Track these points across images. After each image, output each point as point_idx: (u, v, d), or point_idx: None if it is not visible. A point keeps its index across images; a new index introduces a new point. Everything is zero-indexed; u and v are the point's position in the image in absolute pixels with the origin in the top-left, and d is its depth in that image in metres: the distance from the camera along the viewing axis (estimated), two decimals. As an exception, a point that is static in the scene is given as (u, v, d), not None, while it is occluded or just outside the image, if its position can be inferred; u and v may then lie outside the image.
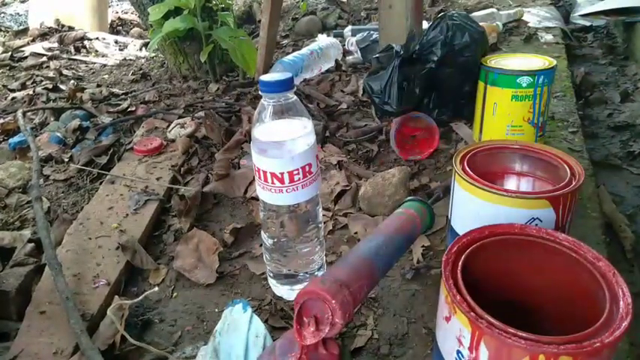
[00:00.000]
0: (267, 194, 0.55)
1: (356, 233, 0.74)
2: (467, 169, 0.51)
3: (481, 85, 0.83)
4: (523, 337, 0.30)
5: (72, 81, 1.64)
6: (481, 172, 0.51)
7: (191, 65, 1.54)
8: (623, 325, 0.31)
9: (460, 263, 0.36)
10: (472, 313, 0.32)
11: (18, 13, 2.97)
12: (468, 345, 0.33)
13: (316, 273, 0.62)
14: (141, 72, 1.68)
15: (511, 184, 0.58)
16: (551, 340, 0.29)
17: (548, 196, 0.45)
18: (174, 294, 0.66)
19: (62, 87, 1.57)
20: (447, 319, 0.35)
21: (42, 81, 1.63)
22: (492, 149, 0.56)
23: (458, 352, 0.34)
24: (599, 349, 0.29)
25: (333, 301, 0.38)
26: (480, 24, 0.92)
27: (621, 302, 0.32)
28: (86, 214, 0.81)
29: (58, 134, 1.13)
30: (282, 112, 0.53)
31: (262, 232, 0.61)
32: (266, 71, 1.38)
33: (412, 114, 0.92)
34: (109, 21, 2.62)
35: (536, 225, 0.46)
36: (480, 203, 0.48)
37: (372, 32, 1.50)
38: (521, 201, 0.46)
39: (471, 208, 0.50)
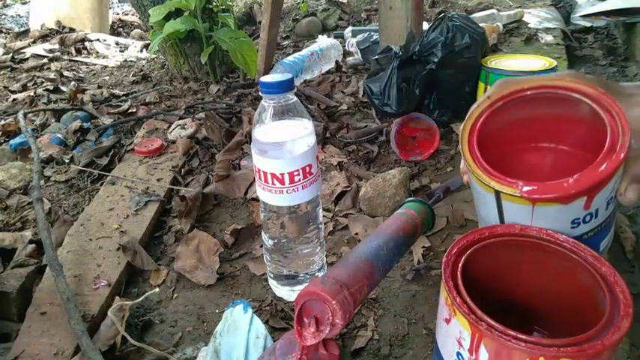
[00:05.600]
0: (267, 195, 0.55)
1: (356, 234, 0.74)
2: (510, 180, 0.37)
3: (481, 85, 0.83)
4: (523, 339, 0.30)
5: (73, 82, 1.64)
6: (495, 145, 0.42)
7: (192, 66, 1.55)
8: (624, 327, 0.30)
9: (460, 265, 0.36)
10: (472, 316, 0.32)
11: (19, 15, 2.98)
12: (468, 347, 0.33)
13: (317, 274, 0.62)
14: (141, 73, 1.69)
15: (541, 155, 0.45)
16: (551, 342, 0.29)
17: (625, 155, 0.35)
18: (175, 295, 0.66)
19: (63, 88, 1.57)
20: (447, 321, 0.35)
21: (43, 82, 1.63)
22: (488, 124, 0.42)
23: (458, 354, 0.34)
24: (600, 351, 0.29)
25: (334, 302, 0.38)
26: (480, 25, 0.92)
27: (621, 304, 0.32)
28: (87, 215, 0.81)
29: (59, 135, 1.13)
30: (283, 113, 0.53)
31: (263, 233, 0.61)
32: (266, 72, 1.38)
33: (412, 115, 0.93)
34: (110, 22, 2.62)
35: (617, 183, 0.38)
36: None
37: (372, 33, 1.50)
38: None
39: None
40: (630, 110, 0.38)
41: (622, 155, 0.34)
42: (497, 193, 0.38)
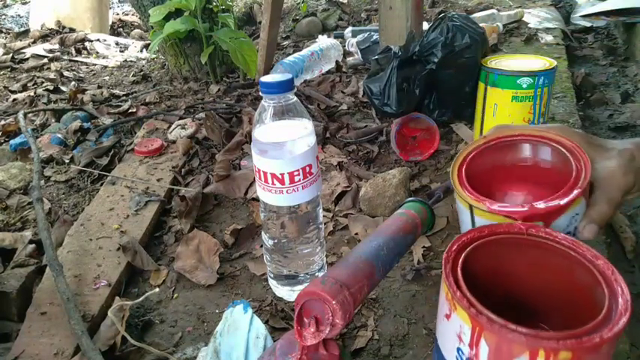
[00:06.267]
0: (267, 195, 0.55)
1: (356, 234, 0.74)
2: (481, 197, 0.45)
3: (481, 86, 0.83)
4: (523, 332, 0.30)
5: (73, 82, 1.64)
6: (481, 176, 0.49)
7: (192, 66, 1.55)
8: (622, 321, 0.31)
9: (460, 261, 0.37)
10: (472, 309, 0.32)
11: (19, 15, 2.98)
12: (468, 342, 0.33)
13: (317, 274, 0.62)
14: (142, 73, 1.69)
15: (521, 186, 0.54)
16: (551, 335, 0.30)
17: (581, 191, 0.43)
18: (175, 295, 0.66)
19: (63, 88, 1.57)
20: (448, 316, 0.35)
21: (43, 82, 1.63)
22: (477, 159, 0.51)
23: (458, 349, 0.34)
24: (599, 344, 0.29)
25: (334, 302, 0.38)
26: (480, 25, 0.92)
27: (620, 299, 0.32)
28: (87, 215, 0.81)
29: (59, 135, 1.13)
30: (283, 113, 0.53)
31: (263, 233, 0.61)
32: (267, 72, 1.38)
33: (413, 115, 0.93)
34: (110, 22, 2.63)
35: (575, 220, 0.45)
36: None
37: (372, 33, 1.50)
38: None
39: None
40: (606, 161, 0.45)
41: (575, 193, 0.42)
42: (471, 208, 0.46)
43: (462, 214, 0.49)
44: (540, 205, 0.42)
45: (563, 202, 0.42)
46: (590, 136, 0.48)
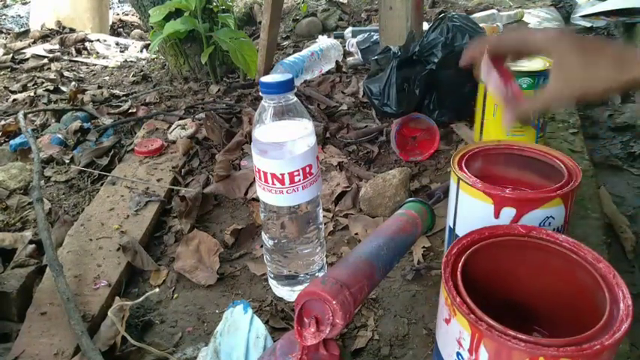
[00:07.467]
0: (267, 195, 0.55)
1: (356, 234, 0.74)
2: (470, 174, 0.50)
3: (481, 86, 0.83)
4: (523, 339, 0.30)
5: (73, 83, 1.64)
6: (476, 175, 0.51)
7: (192, 67, 1.54)
8: (624, 327, 0.30)
9: (460, 265, 0.37)
10: (472, 316, 0.32)
11: (19, 15, 2.98)
12: (467, 347, 0.33)
13: (317, 274, 0.62)
14: (142, 73, 1.69)
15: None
16: (551, 342, 0.29)
17: (560, 193, 0.45)
18: (175, 295, 0.66)
19: (63, 89, 1.57)
20: (447, 321, 0.35)
21: (43, 83, 1.63)
22: (482, 151, 0.55)
23: (458, 354, 0.34)
24: (599, 351, 0.29)
25: (334, 302, 0.38)
26: (480, 25, 0.92)
27: (621, 304, 0.32)
28: (87, 215, 0.81)
29: (59, 136, 1.13)
30: (283, 113, 0.53)
31: (263, 233, 0.61)
32: (267, 72, 1.38)
33: (413, 115, 0.93)
34: (110, 23, 2.62)
35: (549, 223, 0.46)
36: (490, 208, 0.47)
37: (372, 33, 1.50)
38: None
39: (479, 214, 0.48)
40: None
41: (555, 194, 0.45)
42: (459, 181, 0.50)
43: (452, 191, 0.53)
44: (516, 193, 0.46)
45: (541, 197, 0.45)
46: (584, 44, 0.45)
